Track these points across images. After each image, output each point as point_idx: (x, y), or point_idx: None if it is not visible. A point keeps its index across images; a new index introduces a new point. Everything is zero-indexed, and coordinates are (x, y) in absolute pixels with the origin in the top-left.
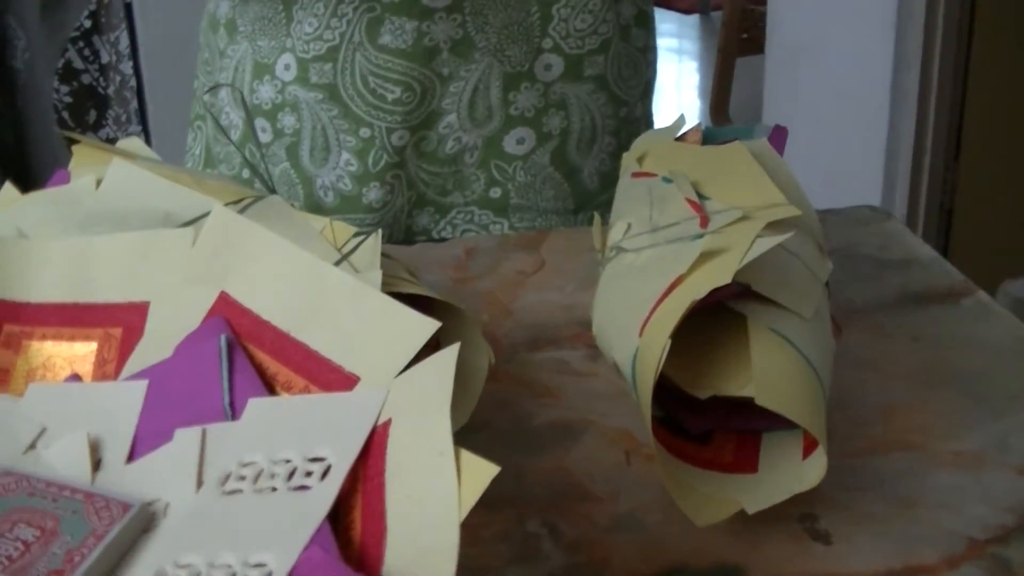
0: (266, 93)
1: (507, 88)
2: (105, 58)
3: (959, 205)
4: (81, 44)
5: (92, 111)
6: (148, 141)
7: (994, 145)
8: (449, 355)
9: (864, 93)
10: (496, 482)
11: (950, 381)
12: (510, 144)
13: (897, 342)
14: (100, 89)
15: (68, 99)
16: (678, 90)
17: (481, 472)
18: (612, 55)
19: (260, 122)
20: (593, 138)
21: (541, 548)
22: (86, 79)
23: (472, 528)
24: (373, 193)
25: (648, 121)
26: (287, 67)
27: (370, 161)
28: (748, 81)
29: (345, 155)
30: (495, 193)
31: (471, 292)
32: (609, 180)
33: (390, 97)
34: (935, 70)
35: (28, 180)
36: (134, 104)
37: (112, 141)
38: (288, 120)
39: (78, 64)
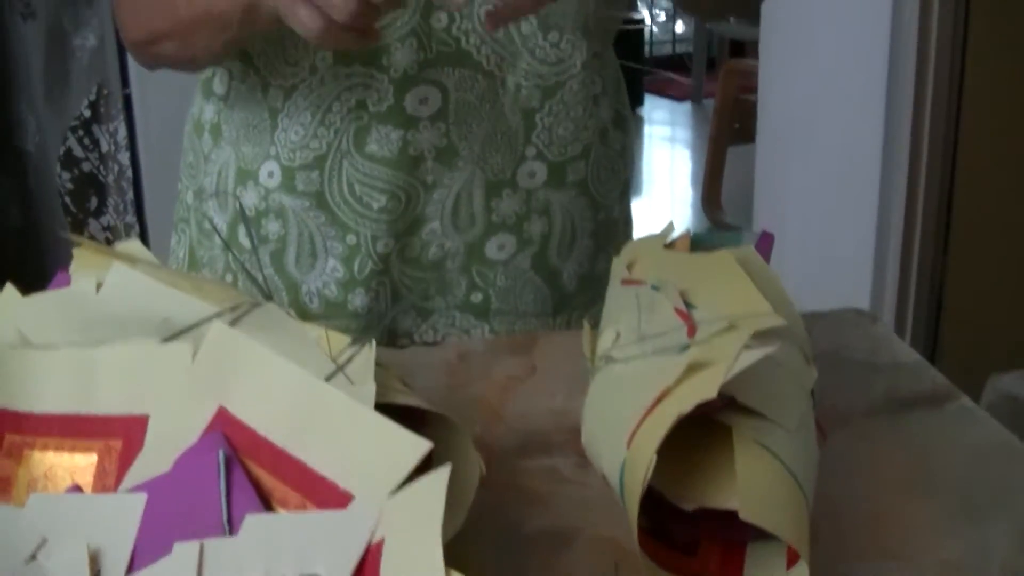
0: (250, 199)
1: (489, 195)
2: (104, 147)
3: (948, 297)
4: (81, 132)
5: (93, 198)
6: (144, 231)
7: (983, 239)
8: (440, 477)
9: (854, 184)
10: None
11: (934, 487)
12: (491, 250)
13: (882, 447)
14: (100, 177)
15: (70, 185)
16: (670, 178)
17: None
18: (593, 160)
19: (243, 228)
20: (573, 241)
21: None
22: (87, 167)
23: None
24: (358, 299)
25: (627, 219)
26: (271, 174)
27: (356, 268)
28: (740, 170)
29: (331, 261)
30: (476, 298)
31: (463, 398)
32: (587, 281)
33: (376, 205)
34: (923, 163)
35: (36, 261)
36: (131, 194)
37: (111, 228)
38: (273, 226)
39: (78, 152)
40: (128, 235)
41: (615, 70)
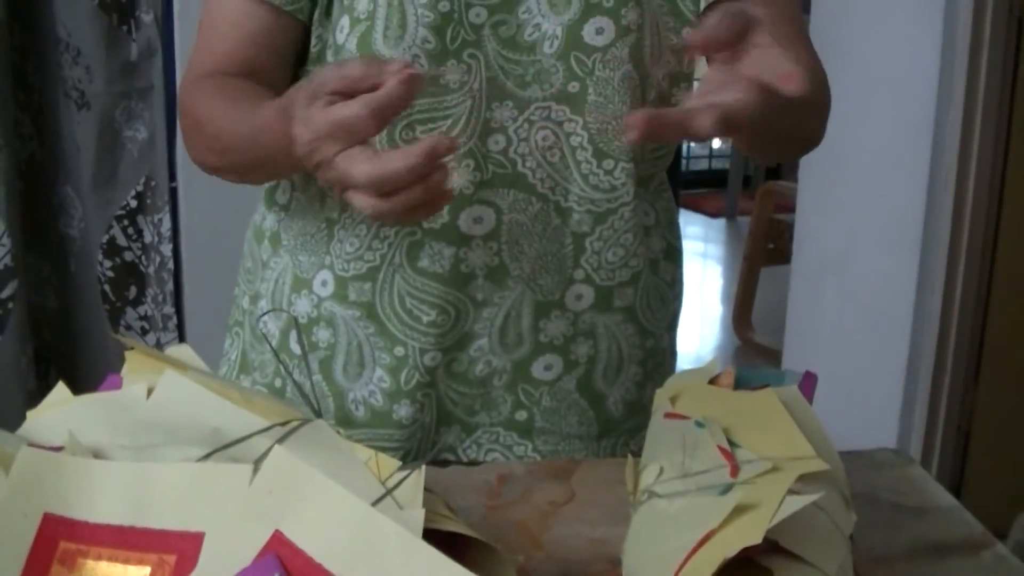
0: (303, 307)
1: (538, 315)
2: (148, 238)
3: (976, 429)
4: (126, 222)
5: (132, 287)
6: (181, 322)
7: (1013, 377)
8: None
9: (886, 308)
10: None
11: None
12: (538, 369)
13: None
14: (141, 267)
15: (110, 273)
16: (701, 294)
17: None
18: (642, 287)
19: (295, 335)
20: (620, 367)
21: None
22: (128, 256)
23: None
24: (403, 410)
25: (673, 351)
26: (324, 283)
27: (402, 379)
28: (773, 289)
29: (379, 371)
30: (521, 416)
31: (502, 521)
32: (633, 408)
33: (425, 319)
34: (958, 291)
35: (71, 345)
36: (170, 285)
37: (148, 319)
38: (323, 334)
39: (121, 241)
40: (165, 327)
41: (668, 202)
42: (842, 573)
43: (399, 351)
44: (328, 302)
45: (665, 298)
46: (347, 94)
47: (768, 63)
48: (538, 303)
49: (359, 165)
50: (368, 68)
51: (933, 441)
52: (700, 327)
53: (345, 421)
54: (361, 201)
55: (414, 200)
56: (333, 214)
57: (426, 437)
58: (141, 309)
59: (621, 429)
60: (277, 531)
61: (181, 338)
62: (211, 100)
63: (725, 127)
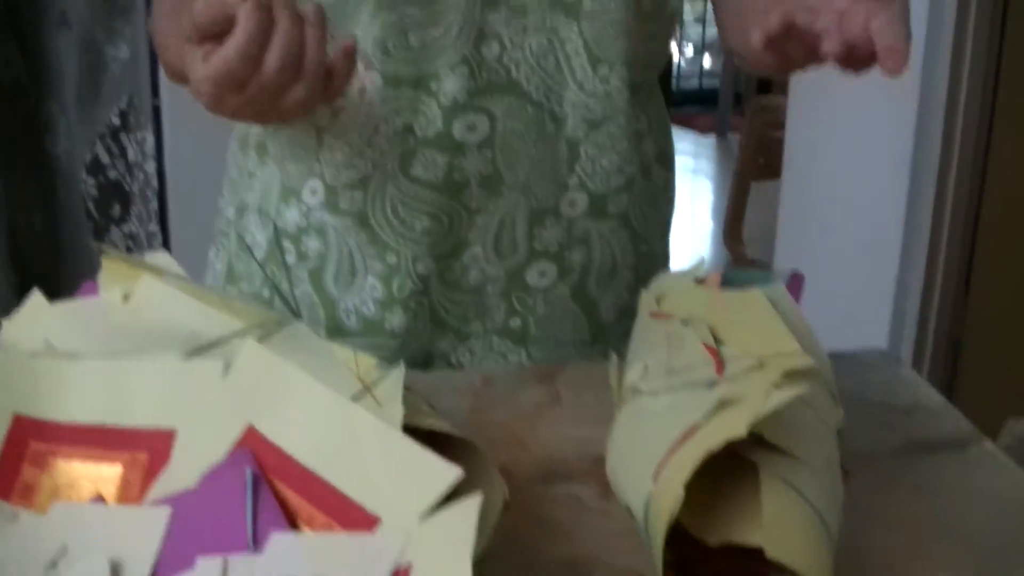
0: (292, 216)
1: (532, 223)
2: (131, 156)
3: (967, 338)
4: (110, 141)
5: (117, 205)
6: (166, 240)
7: (1004, 280)
8: (472, 505)
9: (877, 222)
10: None
11: (954, 533)
12: (532, 277)
13: (903, 491)
14: (125, 186)
15: (95, 192)
16: (692, 211)
17: None
18: (636, 193)
19: (284, 244)
20: (613, 273)
21: None
22: (113, 174)
23: None
24: (396, 319)
25: (665, 257)
26: (314, 192)
27: (395, 287)
28: (763, 205)
29: (370, 280)
30: (515, 323)
31: (486, 422)
32: (626, 313)
33: (418, 227)
34: (948, 202)
35: (58, 265)
36: (154, 203)
37: (133, 237)
38: (313, 244)
39: (105, 159)
40: (150, 244)
41: (660, 108)
42: (829, 467)
43: (391, 259)
44: (318, 211)
45: (658, 203)
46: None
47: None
48: (532, 210)
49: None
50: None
51: (924, 349)
52: (691, 243)
53: (337, 331)
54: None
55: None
56: (322, 121)
57: (419, 346)
58: (126, 227)
59: (613, 334)
60: (250, 427)
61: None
62: (160, 7)
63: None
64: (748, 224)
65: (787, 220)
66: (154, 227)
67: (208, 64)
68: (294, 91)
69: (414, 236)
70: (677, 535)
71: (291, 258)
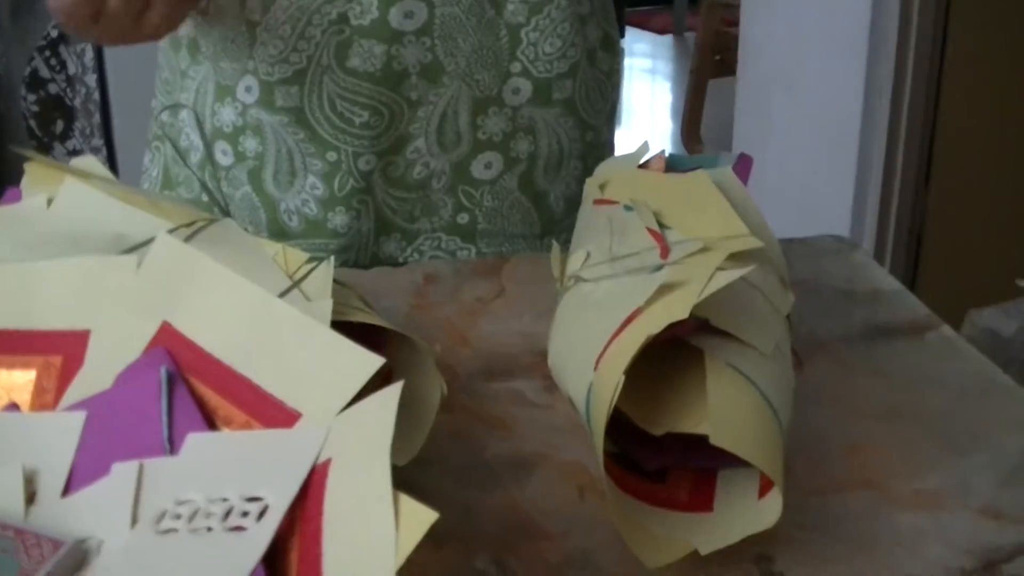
0: (228, 116)
1: (475, 112)
2: (72, 69)
3: (928, 231)
4: (48, 53)
5: (59, 121)
6: (112, 155)
7: (964, 172)
8: (391, 395)
9: (835, 118)
10: (446, 517)
11: (912, 418)
12: (478, 169)
13: (859, 377)
14: (67, 100)
15: (35, 108)
16: (651, 111)
17: (420, 518)
18: (580, 79)
19: (221, 145)
20: (560, 162)
21: None
22: (53, 89)
23: (419, 566)
24: (339, 218)
25: (612, 146)
26: (248, 89)
27: (336, 185)
28: (721, 103)
29: (311, 179)
30: (463, 219)
31: (428, 320)
32: (574, 204)
33: (358, 121)
34: (906, 95)
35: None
36: (98, 117)
37: (78, 153)
38: (250, 143)
39: (45, 73)
40: None
41: None
42: (778, 353)
43: (331, 156)
44: (254, 109)
45: (604, 89)
46: None
47: None
48: (475, 99)
49: None
50: None
51: (884, 244)
52: (651, 144)
53: (280, 233)
54: None
55: None
56: (255, 15)
57: (364, 247)
58: (69, 143)
59: (562, 226)
60: (165, 323)
61: (113, 172)
62: None
63: None
64: (706, 123)
65: (744, 117)
66: (98, 142)
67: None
68: (149, 15)
69: (354, 131)
70: (621, 427)
71: (229, 159)
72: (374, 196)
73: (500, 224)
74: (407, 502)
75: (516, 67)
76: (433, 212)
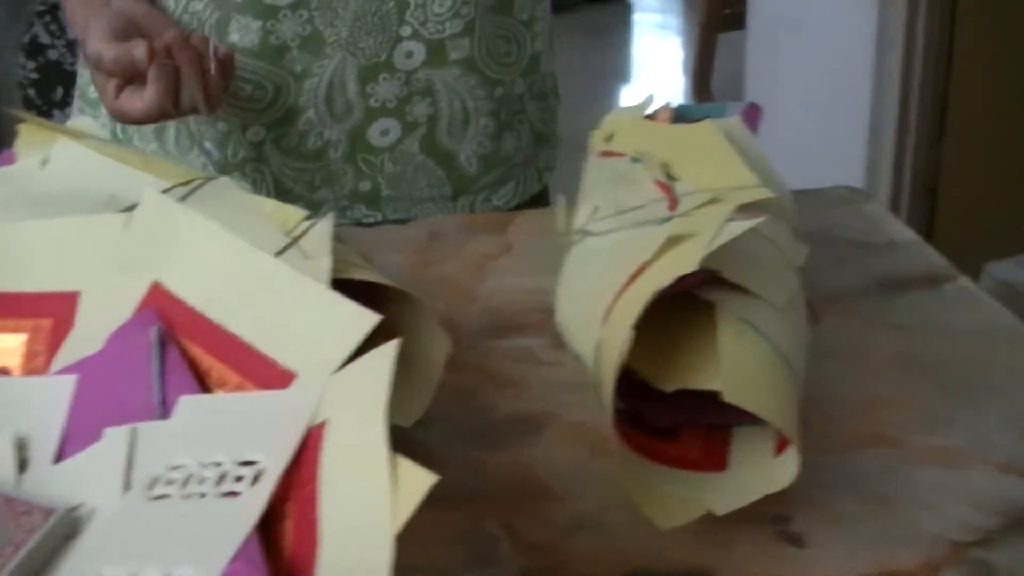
0: None
1: (364, 80)
2: (72, 33)
3: (943, 185)
4: (48, 19)
5: (59, 88)
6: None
7: (978, 124)
8: (388, 352)
9: (847, 70)
10: (453, 478)
11: (931, 372)
12: (374, 136)
13: (876, 330)
14: (67, 65)
15: (35, 75)
16: (660, 65)
17: (418, 481)
18: (479, 36)
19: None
20: (466, 122)
21: (498, 550)
22: (53, 54)
23: (427, 527)
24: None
25: (535, 94)
26: None
27: (229, 153)
28: (731, 56)
29: (207, 145)
30: (365, 186)
31: (432, 277)
32: (490, 162)
33: (242, 95)
34: (919, 47)
35: None
36: None
37: None
38: None
39: (44, 39)
40: None
41: None
42: (791, 306)
43: (221, 127)
44: None
45: (521, 40)
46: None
47: None
48: (362, 67)
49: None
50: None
51: (900, 198)
52: (664, 100)
53: None
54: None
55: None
56: None
57: None
58: (69, 110)
59: (479, 185)
60: (155, 282)
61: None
62: None
63: None
64: (718, 76)
65: (754, 70)
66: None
67: (129, 112)
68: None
69: (239, 104)
70: (631, 384)
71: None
72: (270, 166)
73: (405, 189)
74: (406, 464)
75: (406, 31)
76: (334, 181)
